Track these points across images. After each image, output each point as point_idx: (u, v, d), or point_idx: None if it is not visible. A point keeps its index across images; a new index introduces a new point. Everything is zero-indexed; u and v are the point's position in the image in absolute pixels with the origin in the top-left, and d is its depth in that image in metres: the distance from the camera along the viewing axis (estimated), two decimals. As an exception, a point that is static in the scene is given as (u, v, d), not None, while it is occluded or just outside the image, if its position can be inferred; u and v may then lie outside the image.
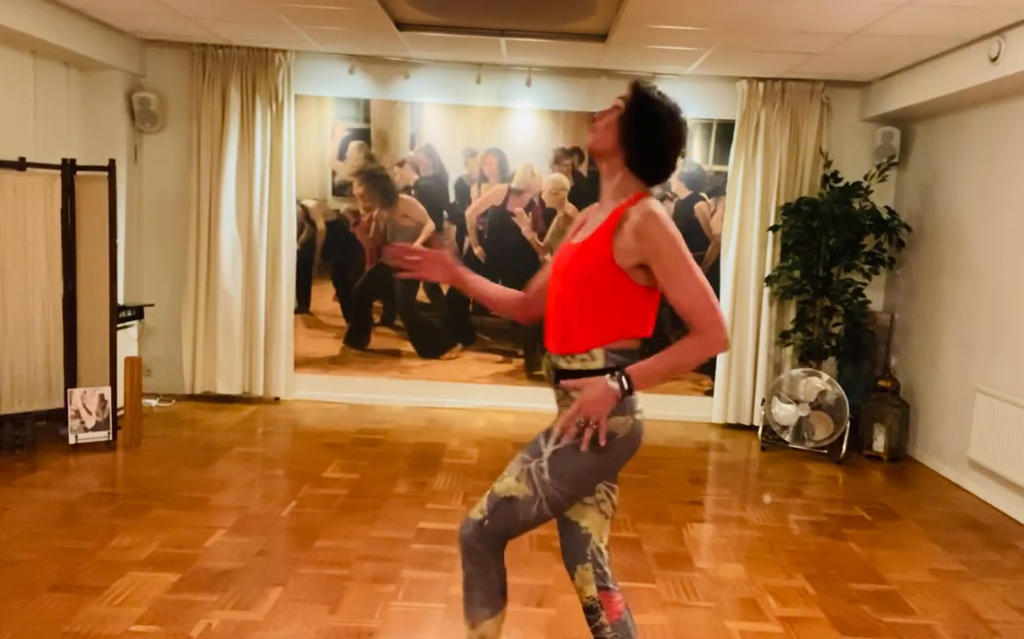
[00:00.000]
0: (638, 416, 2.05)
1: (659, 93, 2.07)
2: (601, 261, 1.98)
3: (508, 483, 2.05)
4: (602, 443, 1.97)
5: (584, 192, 6.18)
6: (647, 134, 2.02)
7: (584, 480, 2.04)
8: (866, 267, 5.69)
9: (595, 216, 2.12)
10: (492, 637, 2.16)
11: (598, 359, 2.01)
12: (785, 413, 5.52)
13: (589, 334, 2.01)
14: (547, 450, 2.03)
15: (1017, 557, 3.97)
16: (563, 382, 2.05)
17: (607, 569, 2.14)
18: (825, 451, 5.53)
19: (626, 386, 1.94)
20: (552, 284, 2.12)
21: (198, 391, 6.07)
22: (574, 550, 2.14)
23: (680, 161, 2.11)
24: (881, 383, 5.65)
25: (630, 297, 2.00)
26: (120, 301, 5.39)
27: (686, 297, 1.92)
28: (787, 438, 5.56)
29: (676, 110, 2.07)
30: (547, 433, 2.08)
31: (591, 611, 2.13)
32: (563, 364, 2.05)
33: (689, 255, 1.95)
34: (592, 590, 2.12)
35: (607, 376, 1.95)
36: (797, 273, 5.74)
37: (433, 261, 2.27)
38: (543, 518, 2.06)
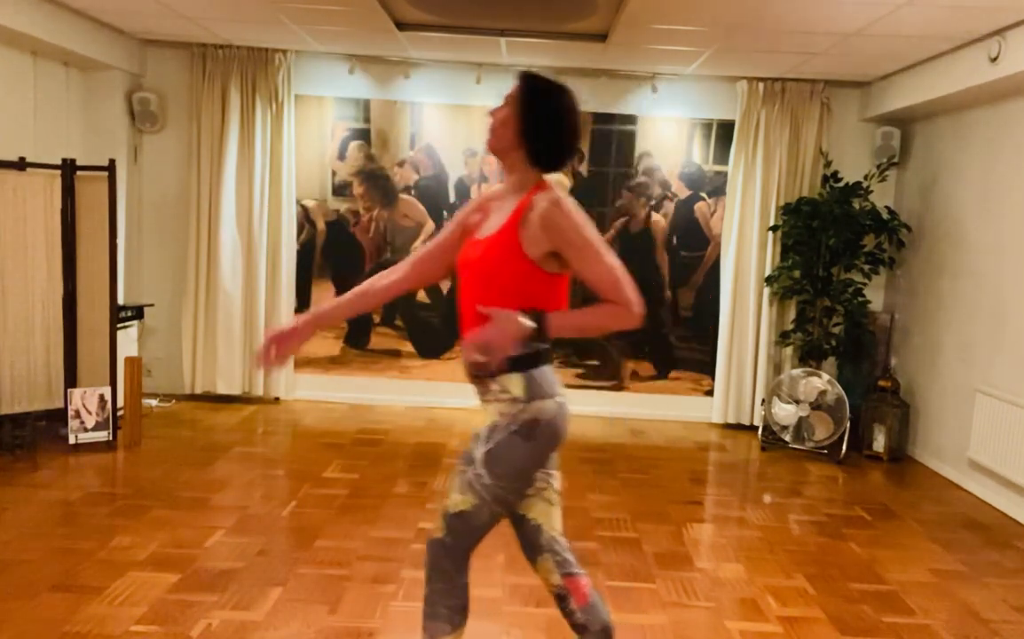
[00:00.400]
0: (560, 399, 2.05)
1: (550, 80, 2.05)
2: (510, 254, 1.99)
3: (454, 498, 2.05)
4: (492, 368, 1.97)
5: (584, 192, 6.17)
6: (545, 126, 2.02)
7: (522, 471, 2.04)
8: (866, 267, 5.68)
9: (499, 208, 2.11)
10: None
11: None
12: (785, 413, 5.52)
13: None
14: (479, 454, 2.03)
15: (1017, 557, 3.97)
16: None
17: (567, 555, 2.17)
18: (825, 451, 5.53)
19: (536, 325, 1.94)
20: (463, 281, 2.10)
21: (198, 391, 6.07)
22: (530, 543, 2.18)
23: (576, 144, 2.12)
24: (881, 383, 5.65)
25: (541, 286, 2.02)
26: (120, 301, 5.39)
27: (599, 277, 1.96)
28: (787, 438, 5.56)
29: (569, 94, 2.06)
30: (476, 438, 2.07)
31: (560, 598, 2.17)
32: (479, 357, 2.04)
33: (597, 236, 1.99)
34: (556, 578, 2.16)
35: (518, 312, 1.94)
36: (797, 273, 5.74)
37: (282, 339, 2.16)
38: (496, 519, 2.07)
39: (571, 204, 1.98)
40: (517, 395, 2.01)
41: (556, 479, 2.21)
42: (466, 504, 2.03)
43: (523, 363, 2.00)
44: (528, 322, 1.93)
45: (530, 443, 2.01)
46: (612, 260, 1.97)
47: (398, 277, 2.27)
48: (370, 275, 2.29)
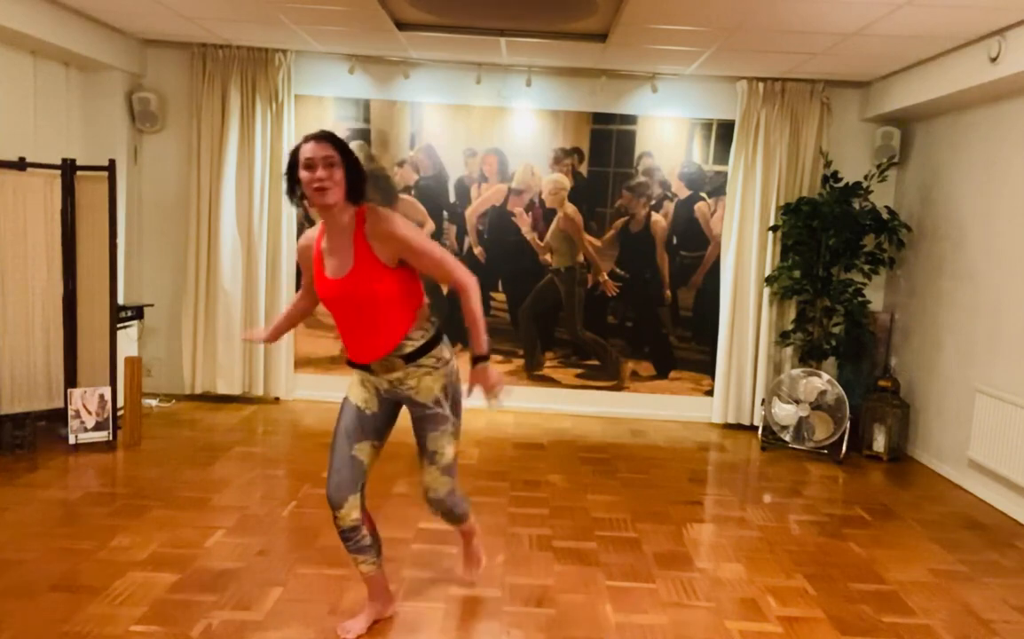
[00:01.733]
0: (450, 357, 2.76)
1: (332, 132, 2.52)
2: (379, 273, 2.50)
3: (448, 452, 2.74)
4: (497, 401, 2.67)
5: (584, 192, 6.17)
6: (358, 168, 2.50)
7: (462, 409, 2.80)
8: (866, 267, 5.69)
9: (339, 246, 2.52)
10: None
11: (412, 331, 2.61)
12: (785, 413, 5.52)
13: (401, 324, 2.57)
14: (446, 409, 2.71)
15: (1017, 557, 3.97)
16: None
17: (364, 488, 2.78)
18: (825, 451, 5.53)
19: (487, 355, 2.66)
20: (342, 313, 2.61)
21: (198, 391, 6.07)
22: (350, 483, 2.69)
23: None
24: (881, 383, 5.65)
25: (407, 283, 2.57)
26: (120, 301, 5.39)
27: (435, 266, 2.55)
28: (787, 438, 5.56)
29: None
30: (437, 400, 2.69)
31: (353, 530, 2.71)
32: (408, 349, 2.61)
33: (423, 234, 2.58)
34: (357, 514, 2.70)
35: (484, 363, 2.65)
36: (797, 273, 5.74)
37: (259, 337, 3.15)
38: None
39: (393, 216, 2.50)
40: (447, 357, 2.73)
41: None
42: (455, 448, 2.77)
43: (438, 338, 2.68)
44: (490, 364, 2.66)
45: (461, 386, 2.77)
46: (440, 251, 2.56)
47: (304, 304, 2.97)
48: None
